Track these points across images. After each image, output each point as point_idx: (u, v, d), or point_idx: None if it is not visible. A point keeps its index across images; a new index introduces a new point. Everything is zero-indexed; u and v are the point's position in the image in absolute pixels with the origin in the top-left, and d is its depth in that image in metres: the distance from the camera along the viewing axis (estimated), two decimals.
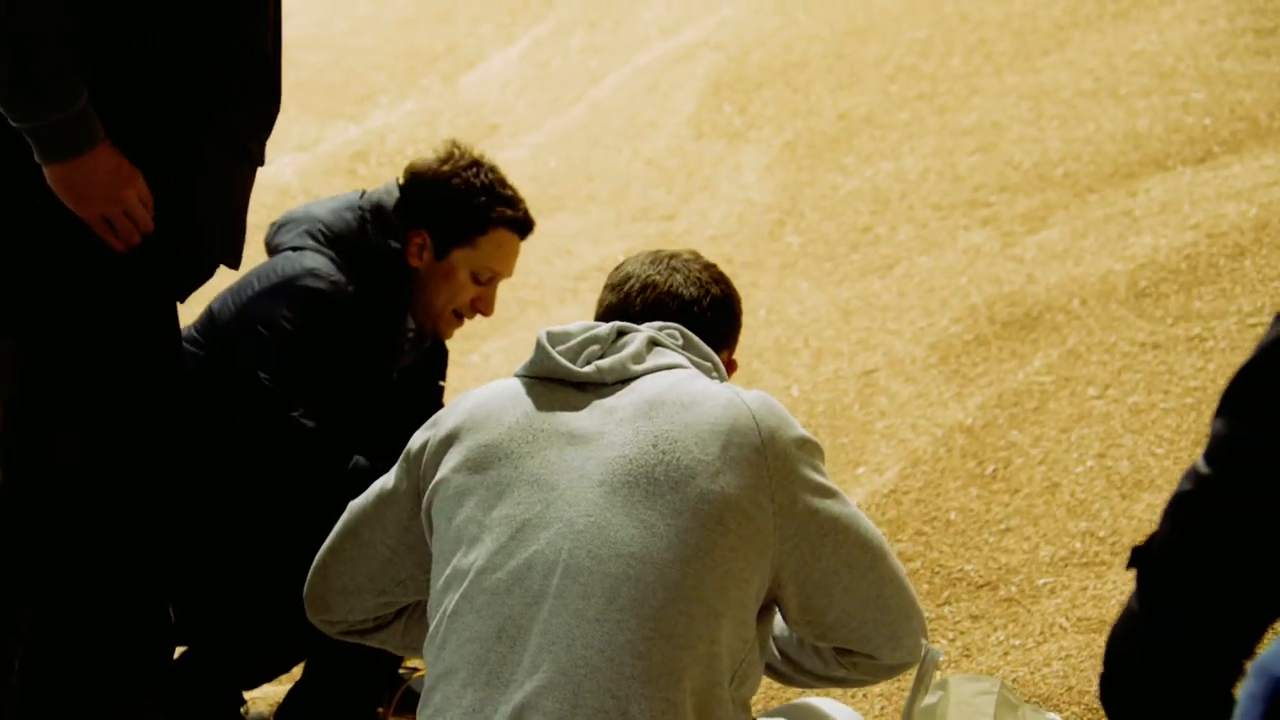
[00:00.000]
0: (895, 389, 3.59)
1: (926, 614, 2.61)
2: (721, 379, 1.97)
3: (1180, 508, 1.36)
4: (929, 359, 3.64)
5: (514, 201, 2.65)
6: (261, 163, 2.19)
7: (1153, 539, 1.39)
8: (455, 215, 2.59)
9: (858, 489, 3.27)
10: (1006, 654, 2.64)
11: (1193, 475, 1.35)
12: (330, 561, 1.98)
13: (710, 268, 2.07)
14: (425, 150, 2.73)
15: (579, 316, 3.97)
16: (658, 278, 2.02)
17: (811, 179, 4.72)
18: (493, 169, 2.64)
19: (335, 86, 5.91)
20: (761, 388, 3.72)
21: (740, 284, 4.27)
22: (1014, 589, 2.81)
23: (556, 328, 1.96)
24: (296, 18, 6.61)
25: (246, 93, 2.09)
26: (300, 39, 6.33)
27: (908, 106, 5.02)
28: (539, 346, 1.91)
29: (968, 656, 2.68)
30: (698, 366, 1.95)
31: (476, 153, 2.66)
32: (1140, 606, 1.38)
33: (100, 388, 2.07)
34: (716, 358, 1.99)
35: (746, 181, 4.81)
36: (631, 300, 2.03)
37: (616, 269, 2.07)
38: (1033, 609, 2.74)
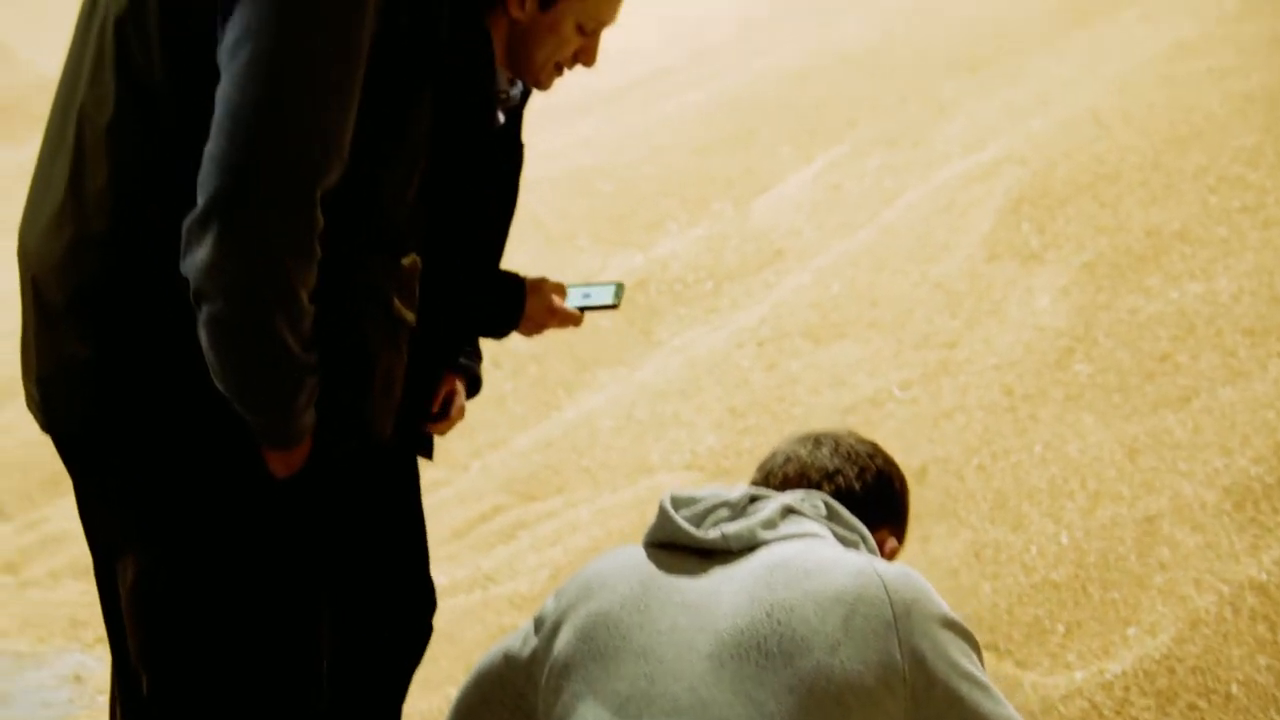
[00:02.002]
0: (1179, 538, 3.16)
1: None
2: (873, 555, 1.72)
3: None
4: (1221, 505, 3.20)
5: None
6: (412, 324, 1.99)
7: None
8: None
9: (1125, 652, 2.86)
10: None
11: None
12: (457, 713, 1.93)
13: (868, 443, 1.87)
14: None
15: None
16: (802, 450, 1.88)
17: (1109, 302, 4.32)
18: None
19: (625, 215, 5.84)
20: (1029, 533, 3.35)
21: (1018, 418, 3.92)
22: None
23: (683, 491, 1.78)
24: (592, 147, 6.63)
25: (382, 245, 1.92)
26: (593, 167, 6.32)
27: (1227, 220, 4.56)
28: (661, 510, 1.75)
29: None
30: (840, 539, 1.70)
31: None
32: None
33: (233, 615, 1.91)
34: (866, 531, 1.73)
35: (1039, 306, 4.43)
36: (774, 473, 1.85)
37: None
38: None
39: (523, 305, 2.41)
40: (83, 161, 1.84)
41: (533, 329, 2.45)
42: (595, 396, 4.75)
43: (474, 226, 2.40)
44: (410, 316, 1.95)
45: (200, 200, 1.70)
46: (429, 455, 2.53)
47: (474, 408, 3.43)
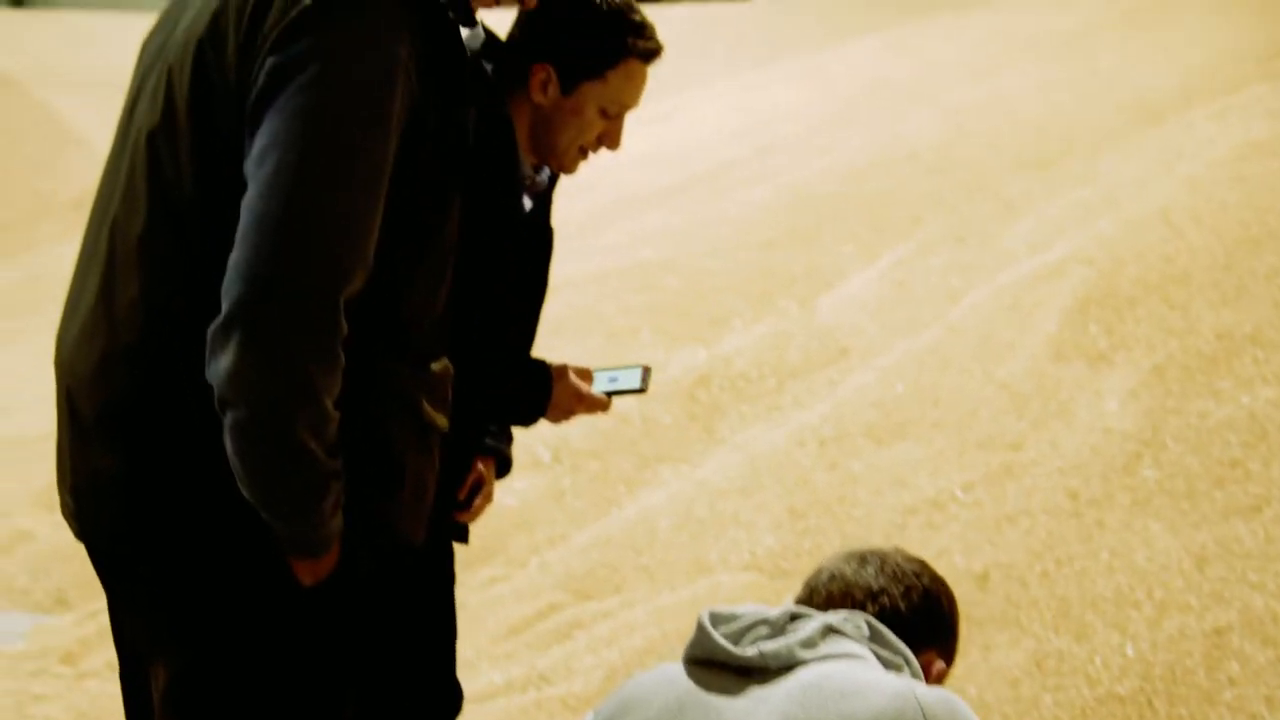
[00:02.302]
0: (1250, 653, 3.07)
1: None
2: (915, 679, 1.67)
3: None
4: None
5: (644, 28, 2.39)
6: (444, 429, 1.97)
7: None
8: (584, 47, 2.35)
9: None
10: None
11: None
12: None
13: (915, 561, 1.82)
14: None
15: None
16: (848, 568, 1.83)
17: (1179, 406, 4.24)
18: None
19: (689, 309, 5.83)
20: (1093, 643, 3.27)
21: (1083, 523, 3.84)
22: None
23: (723, 608, 1.75)
24: (657, 241, 6.64)
25: (409, 352, 1.91)
26: (658, 261, 6.32)
27: None
28: (700, 626, 1.72)
29: None
30: (882, 661, 1.65)
31: None
32: None
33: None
34: (910, 654, 1.68)
35: (1106, 409, 4.36)
36: (818, 591, 1.81)
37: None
38: None
39: (550, 393, 2.42)
40: (114, 274, 1.86)
41: (560, 416, 2.45)
42: (656, 493, 4.71)
43: (505, 323, 2.40)
44: (443, 421, 1.95)
45: (224, 307, 1.71)
46: (464, 539, 2.51)
47: (533, 503, 3.42)
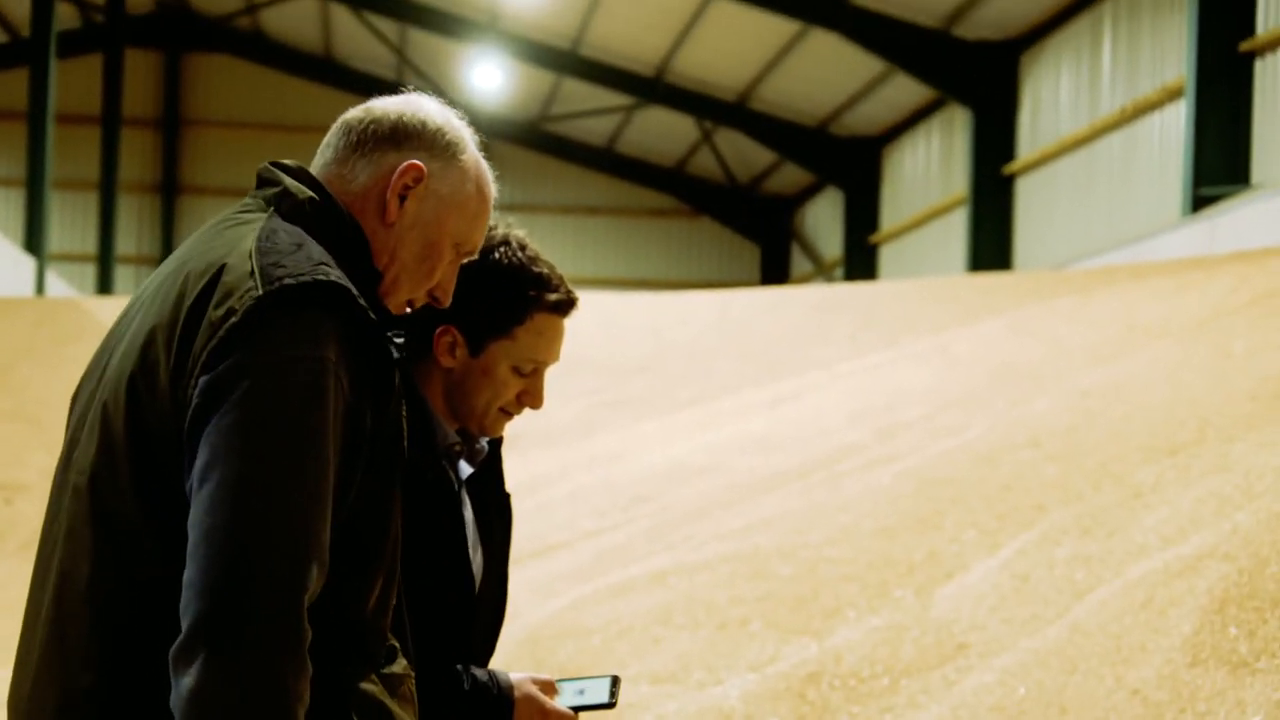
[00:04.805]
0: None
1: None
2: None
3: None
4: None
5: (550, 281, 2.29)
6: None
7: None
8: (487, 305, 2.26)
9: None
10: None
11: None
12: None
13: None
14: None
15: None
16: None
17: None
18: (522, 244, 2.28)
19: (803, 599, 5.59)
20: None
21: None
22: None
23: None
24: (772, 527, 6.44)
25: (368, 655, 1.85)
26: (772, 548, 6.12)
27: None
28: None
29: None
30: None
31: (501, 228, 2.30)
32: None
33: None
34: None
35: None
36: None
37: None
38: None
39: (509, 713, 2.30)
40: (64, 619, 1.82)
41: None
42: None
43: (466, 616, 2.29)
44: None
45: (184, 626, 1.66)
46: None
47: None
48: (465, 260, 2.07)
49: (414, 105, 2.05)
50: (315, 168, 2.02)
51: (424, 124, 2.02)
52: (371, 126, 2.00)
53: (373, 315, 1.84)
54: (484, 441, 2.39)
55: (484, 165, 2.08)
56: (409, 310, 2.04)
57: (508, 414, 2.35)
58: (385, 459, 1.84)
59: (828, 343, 12.21)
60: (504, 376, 2.31)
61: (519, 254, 2.31)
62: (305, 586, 1.69)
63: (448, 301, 2.05)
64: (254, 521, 1.67)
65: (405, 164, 1.97)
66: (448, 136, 2.02)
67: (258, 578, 1.66)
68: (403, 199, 1.97)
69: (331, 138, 2.04)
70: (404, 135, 2.00)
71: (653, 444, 9.18)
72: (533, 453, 9.87)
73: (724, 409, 9.90)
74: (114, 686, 1.75)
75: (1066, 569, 5.30)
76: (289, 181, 1.96)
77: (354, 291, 1.82)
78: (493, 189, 2.09)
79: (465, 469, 2.36)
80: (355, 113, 2.04)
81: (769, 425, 8.77)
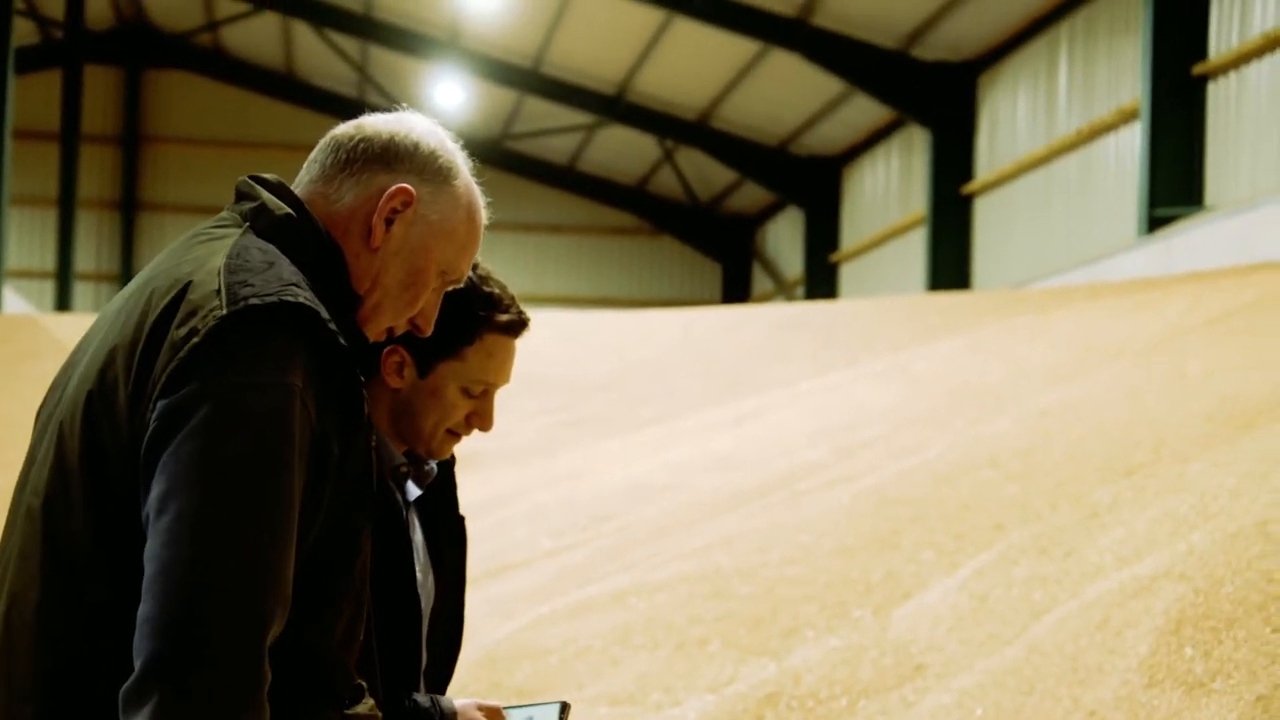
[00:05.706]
0: None
1: None
2: None
3: None
4: None
5: (501, 301, 2.26)
6: None
7: None
8: (436, 326, 2.18)
9: None
10: None
11: None
12: None
13: None
14: None
15: None
16: None
17: None
18: (473, 263, 2.21)
19: (761, 619, 5.59)
20: None
21: None
22: None
23: None
24: (732, 547, 6.43)
25: (336, 694, 1.79)
26: (732, 568, 6.11)
27: None
28: None
29: None
30: None
31: None
32: None
33: None
34: None
35: None
36: None
37: None
38: None
39: None
40: (12, 647, 1.76)
41: None
42: None
43: (413, 640, 2.27)
44: None
45: (137, 666, 1.59)
46: None
47: None
48: (450, 289, 2.01)
49: (407, 125, 1.98)
50: (299, 184, 1.95)
51: (417, 146, 1.95)
52: (362, 145, 1.94)
53: (343, 340, 1.77)
54: (433, 463, 2.36)
55: (476, 192, 2.02)
56: (388, 337, 1.99)
57: (455, 436, 2.32)
58: (353, 489, 1.77)
59: (789, 361, 12.24)
60: (453, 398, 2.27)
61: (470, 273, 2.26)
62: (266, 626, 1.62)
63: (429, 330, 1.99)
64: (213, 558, 1.60)
65: (394, 187, 1.91)
66: (440, 160, 1.96)
67: (215, 618, 1.58)
68: (390, 223, 1.91)
69: (318, 154, 1.97)
70: (395, 156, 1.94)
71: (614, 462, 9.17)
72: (492, 471, 9.84)
73: (686, 427, 9.90)
74: (55, 718, 1.69)
75: (1024, 589, 5.32)
76: (266, 197, 1.88)
77: (324, 314, 1.75)
78: (484, 216, 2.02)
79: (413, 490, 2.33)
80: (346, 129, 1.98)
81: (731, 444, 8.77)
